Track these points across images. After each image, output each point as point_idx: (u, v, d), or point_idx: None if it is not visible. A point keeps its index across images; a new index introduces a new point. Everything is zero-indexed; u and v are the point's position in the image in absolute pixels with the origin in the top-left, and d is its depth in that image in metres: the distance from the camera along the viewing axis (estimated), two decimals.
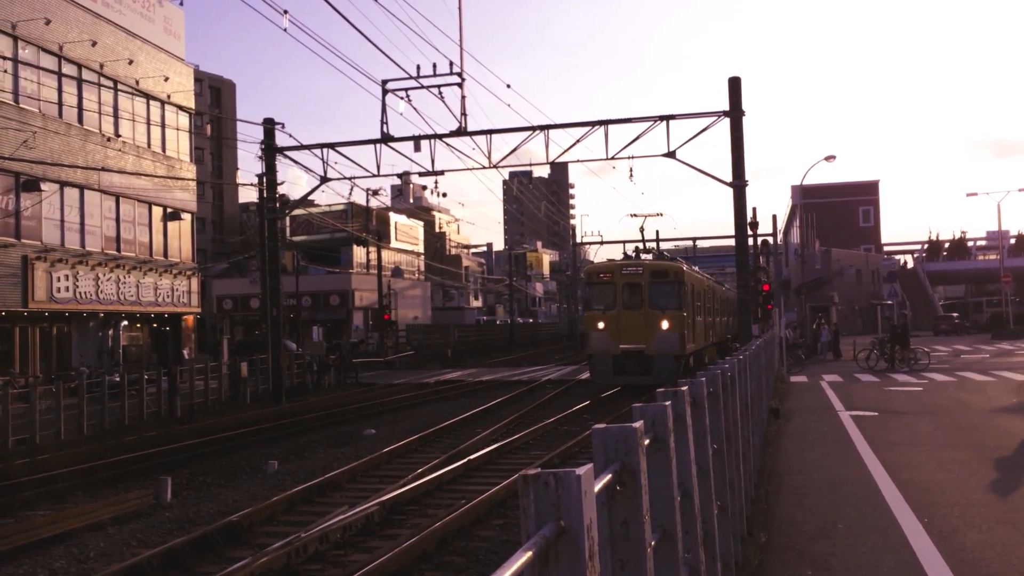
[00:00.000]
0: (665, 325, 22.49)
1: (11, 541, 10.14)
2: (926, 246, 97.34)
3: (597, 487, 2.35)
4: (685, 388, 4.20)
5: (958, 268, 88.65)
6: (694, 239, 57.27)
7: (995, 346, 45.08)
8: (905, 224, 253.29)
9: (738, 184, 24.24)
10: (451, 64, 23.89)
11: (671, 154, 24.46)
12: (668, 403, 3.62)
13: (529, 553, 1.79)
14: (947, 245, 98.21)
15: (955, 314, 71.18)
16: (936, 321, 66.89)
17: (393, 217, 68.46)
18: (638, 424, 2.84)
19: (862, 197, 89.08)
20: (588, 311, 24.16)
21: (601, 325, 22.92)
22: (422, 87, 24.00)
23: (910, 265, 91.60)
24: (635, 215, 29.24)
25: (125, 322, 34.79)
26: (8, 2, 28.46)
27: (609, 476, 2.59)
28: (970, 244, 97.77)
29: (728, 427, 6.47)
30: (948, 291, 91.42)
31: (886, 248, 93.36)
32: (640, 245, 28.40)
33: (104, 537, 10.11)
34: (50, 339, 31.30)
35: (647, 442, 3.10)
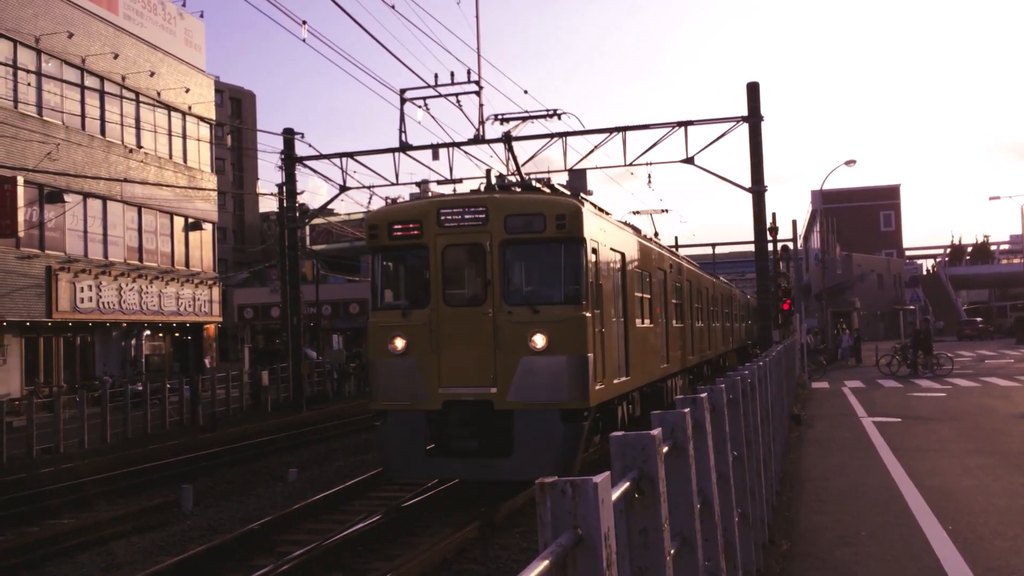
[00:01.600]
0: (540, 342, 10.40)
1: (37, 549, 10.25)
2: (948, 250, 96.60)
3: (615, 495, 2.35)
4: (704, 395, 4.19)
5: (981, 272, 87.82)
6: (713, 245, 57.00)
7: (1020, 351, 44.55)
8: (927, 228, 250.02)
9: (757, 189, 24.11)
10: (468, 72, 23.87)
11: (690, 160, 24.38)
12: (687, 410, 3.61)
13: (546, 561, 1.79)
14: (970, 249, 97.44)
15: (979, 318, 70.48)
16: (960, 326, 66.28)
17: None
18: (656, 431, 2.83)
19: (883, 201, 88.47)
20: (375, 312, 11.45)
21: (400, 344, 10.88)
22: (440, 95, 23.99)
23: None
24: (499, 117, 17.14)
25: (147, 332, 35.08)
26: (32, 16, 28.84)
27: (627, 484, 2.58)
28: (993, 248, 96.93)
29: (748, 434, 6.44)
30: (971, 295, 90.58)
31: (908, 253, 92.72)
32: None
33: (127, 545, 10.20)
34: (74, 349, 31.60)
35: (665, 449, 3.10)
